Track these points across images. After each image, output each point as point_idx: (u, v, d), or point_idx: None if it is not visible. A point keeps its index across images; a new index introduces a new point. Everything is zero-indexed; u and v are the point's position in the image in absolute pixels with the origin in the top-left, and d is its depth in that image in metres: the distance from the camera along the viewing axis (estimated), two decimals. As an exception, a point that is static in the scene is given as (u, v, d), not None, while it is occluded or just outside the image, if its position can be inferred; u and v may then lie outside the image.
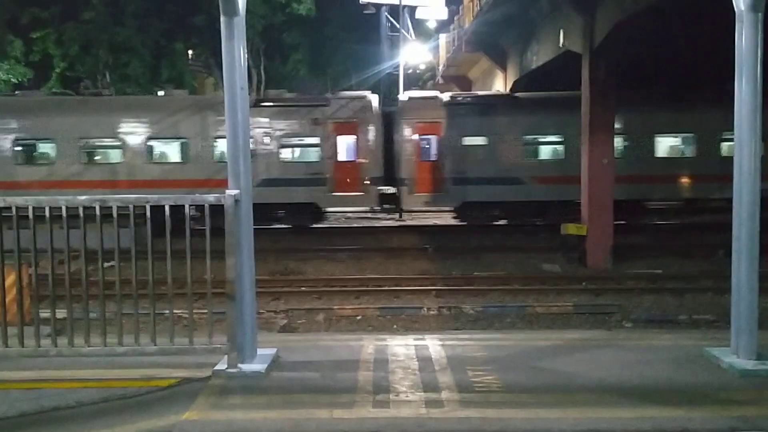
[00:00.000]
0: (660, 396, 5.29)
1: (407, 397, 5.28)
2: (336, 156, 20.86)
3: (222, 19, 5.64)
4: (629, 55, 16.78)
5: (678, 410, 5.00)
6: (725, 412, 4.99)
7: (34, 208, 5.52)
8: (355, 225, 23.96)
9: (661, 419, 4.86)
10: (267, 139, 20.69)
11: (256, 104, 20.70)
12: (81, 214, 5.52)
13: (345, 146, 21.06)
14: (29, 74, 32.15)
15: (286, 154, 21.19)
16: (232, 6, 5.59)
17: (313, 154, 21.06)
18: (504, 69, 26.66)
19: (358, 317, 12.46)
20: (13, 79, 31.98)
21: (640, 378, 5.68)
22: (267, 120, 20.74)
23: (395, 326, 11.93)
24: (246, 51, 5.86)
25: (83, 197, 5.60)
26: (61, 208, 5.54)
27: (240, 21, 5.70)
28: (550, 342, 7.01)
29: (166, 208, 5.58)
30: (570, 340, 7.09)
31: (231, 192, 5.61)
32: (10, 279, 6.04)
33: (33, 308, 5.75)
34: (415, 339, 6.95)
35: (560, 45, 18.09)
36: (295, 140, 21.20)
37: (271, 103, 21.36)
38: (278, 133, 20.83)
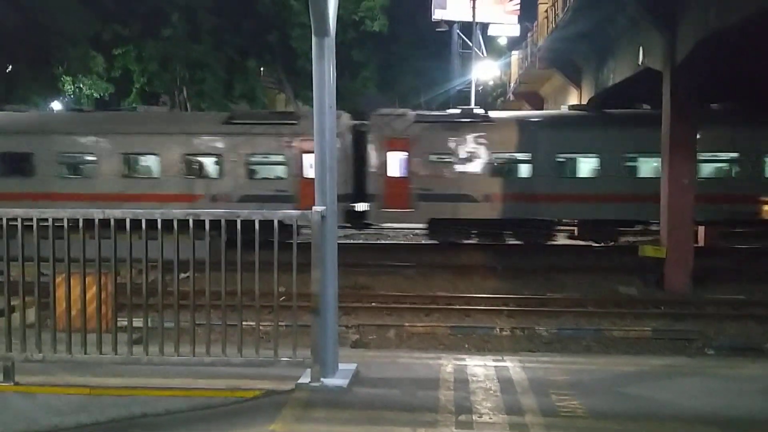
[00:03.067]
0: (752, 427, 5.10)
1: (490, 418, 5.23)
2: (302, 173, 20.86)
3: (313, 39, 5.76)
4: (712, 73, 16.29)
5: (774, 443, 4.81)
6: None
7: (131, 220, 5.72)
8: (423, 242, 23.93)
9: (756, 452, 4.68)
10: (235, 157, 21.01)
11: (226, 122, 21.23)
12: (175, 227, 5.69)
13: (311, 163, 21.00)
14: (111, 89, 33.44)
15: (256, 171, 21.43)
16: (323, 27, 5.71)
17: (281, 171, 21.19)
18: (578, 86, 26.31)
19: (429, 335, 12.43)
20: (95, 94, 33.35)
21: (731, 408, 5.48)
22: (237, 138, 21.05)
23: (466, 345, 11.85)
24: (335, 71, 5.96)
25: (178, 210, 5.78)
26: (156, 220, 5.73)
27: (330, 41, 5.81)
28: (634, 367, 6.82)
29: (256, 223, 5.70)
30: (654, 366, 6.90)
31: (318, 208, 5.70)
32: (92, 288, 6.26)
33: (127, 317, 5.93)
34: (494, 360, 6.87)
35: (639, 62, 17.73)
36: (262, 158, 21.42)
37: (240, 122, 21.66)
38: (248, 150, 21.09)
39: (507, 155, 21.12)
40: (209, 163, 21.34)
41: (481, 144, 20.85)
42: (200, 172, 21.44)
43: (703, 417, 5.29)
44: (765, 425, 5.14)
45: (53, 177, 21.12)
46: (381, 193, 21.10)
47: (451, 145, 20.94)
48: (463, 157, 20.87)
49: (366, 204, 21.35)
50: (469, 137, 20.95)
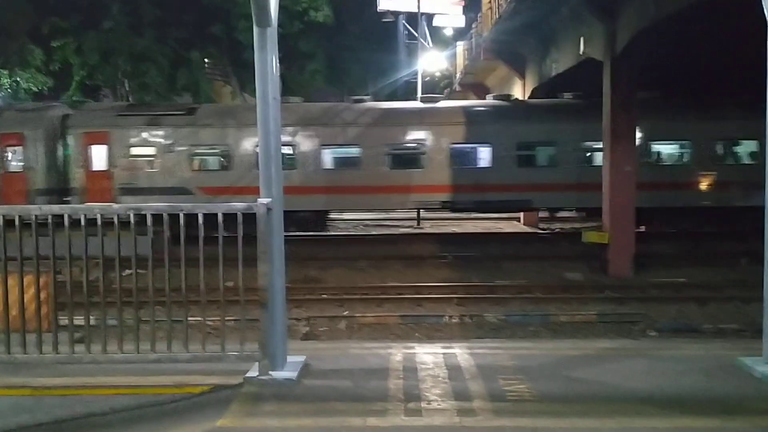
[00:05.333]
0: (695, 406, 5.24)
1: (439, 405, 5.27)
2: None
3: (255, 30, 5.68)
4: (651, 62, 16.69)
5: (714, 420, 4.96)
6: (762, 421, 4.94)
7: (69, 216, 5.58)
8: (374, 233, 23.97)
9: (697, 429, 4.82)
10: None
11: None
12: (116, 222, 5.57)
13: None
14: (49, 83, 32.50)
15: None
16: (264, 17, 5.63)
17: None
18: (523, 76, 26.62)
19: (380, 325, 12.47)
20: (33, 88, 32.36)
21: (673, 388, 5.63)
22: None
23: (417, 334, 11.93)
24: (278, 61, 5.89)
25: (117, 206, 5.65)
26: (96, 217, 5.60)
27: (272, 32, 5.74)
28: (580, 351, 6.96)
29: (200, 217, 5.62)
30: (600, 350, 7.06)
31: (263, 200, 5.63)
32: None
33: (67, 315, 5.78)
34: (443, 347, 6.93)
35: (581, 52, 18.04)
36: None
37: None
38: None
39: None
40: None
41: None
42: None
43: (647, 397, 5.43)
44: (706, 403, 5.31)
45: None
46: (83, 187, 21.14)
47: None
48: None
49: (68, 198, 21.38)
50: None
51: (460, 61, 35.96)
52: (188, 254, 5.64)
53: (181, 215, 5.59)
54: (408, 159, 20.99)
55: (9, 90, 32.61)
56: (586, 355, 6.75)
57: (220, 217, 5.65)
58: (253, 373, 5.72)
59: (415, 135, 20.99)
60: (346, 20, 34.21)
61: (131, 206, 5.63)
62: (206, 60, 35.81)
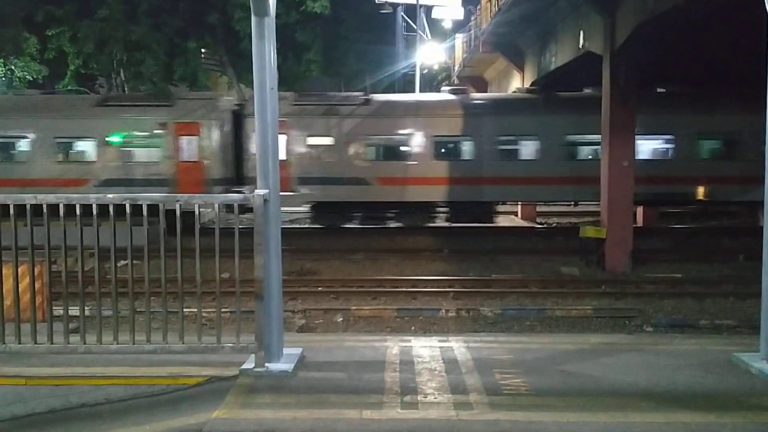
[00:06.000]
0: (690, 401, 5.25)
1: (435, 398, 5.26)
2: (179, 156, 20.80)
3: (253, 19, 5.64)
4: (651, 57, 16.65)
5: (709, 416, 4.96)
6: (757, 417, 4.95)
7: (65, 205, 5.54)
8: (370, 226, 23.92)
9: (692, 424, 4.82)
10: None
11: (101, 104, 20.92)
12: (111, 212, 5.53)
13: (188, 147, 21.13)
14: (44, 71, 32.34)
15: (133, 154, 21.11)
16: (262, 6, 5.59)
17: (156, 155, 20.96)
18: (521, 69, 26.54)
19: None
20: (28, 76, 32.20)
21: (669, 383, 5.63)
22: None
23: (413, 327, 11.92)
24: (276, 51, 5.85)
25: (112, 195, 5.62)
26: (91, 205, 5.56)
27: (270, 21, 5.70)
28: (576, 345, 6.97)
29: (196, 208, 5.59)
30: (595, 344, 7.06)
31: (260, 192, 5.60)
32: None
33: (62, 305, 5.75)
34: (439, 340, 6.93)
35: (580, 46, 17.98)
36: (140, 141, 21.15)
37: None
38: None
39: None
40: None
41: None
42: None
43: (640, 391, 5.44)
44: (702, 398, 5.31)
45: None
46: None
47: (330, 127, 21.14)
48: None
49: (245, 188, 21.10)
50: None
51: (459, 54, 35.86)
52: (184, 245, 5.61)
53: (177, 205, 5.55)
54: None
55: (3, 78, 32.48)
56: (581, 349, 6.75)
57: (217, 208, 5.62)
58: (248, 364, 5.71)
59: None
60: (344, 11, 34.06)
61: (127, 196, 5.59)
62: (203, 50, 35.65)
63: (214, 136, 20.86)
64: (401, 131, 21.09)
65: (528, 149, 21.18)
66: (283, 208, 6.02)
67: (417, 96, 22.51)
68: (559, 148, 20.69)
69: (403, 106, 21.98)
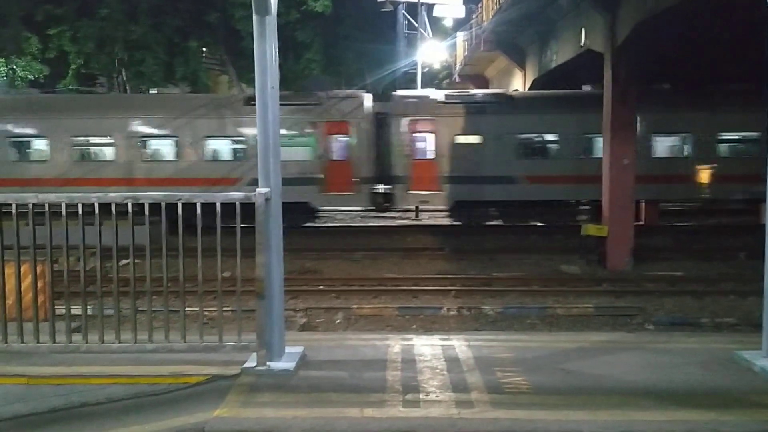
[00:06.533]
0: (691, 399, 5.24)
1: (437, 397, 5.27)
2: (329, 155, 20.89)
3: (254, 18, 5.64)
4: (652, 54, 16.64)
5: (710, 414, 4.96)
6: (758, 416, 4.94)
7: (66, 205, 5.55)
8: (372, 224, 23.96)
9: (693, 423, 4.82)
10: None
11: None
12: (113, 211, 5.53)
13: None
14: (45, 71, 32.34)
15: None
16: (264, 6, 5.59)
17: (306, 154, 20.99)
18: (522, 68, 26.56)
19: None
20: (29, 76, 32.21)
21: (669, 381, 5.63)
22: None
23: (414, 326, 11.93)
24: (277, 50, 5.85)
25: (114, 194, 5.62)
26: (93, 204, 5.56)
27: (271, 20, 5.70)
28: (577, 344, 6.96)
29: (198, 206, 5.59)
30: (596, 342, 7.06)
31: (261, 190, 5.61)
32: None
33: (64, 304, 5.76)
34: (441, 339, 6.94)
35: (581, 44, 17.99)
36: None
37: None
38: None
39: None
40: None
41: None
42: None
43: (641, 389, 5.43)
44: (703, 396, 5.31)
45: None
46: (408, 175, 20.96)
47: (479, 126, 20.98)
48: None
49: (389, 186, 21.28)
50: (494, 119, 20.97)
51: (460, 52, 35.86)
52: (186, 244, 5.62)
53: (179, 204, 5.56)
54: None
55: (5, 78, 32.49)
56: (582, 347, 6.75)
57: (218, 207, 5.62)
58: (250, 363, 5.72)
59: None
60: (345, 10, 34.03)
61: (129, 195, 5.60)
62: (203, 49, 35.66)
63: (362, 136, 20.90)
64: (547, 129, 21.10)
65: (679, 146, 21.15)
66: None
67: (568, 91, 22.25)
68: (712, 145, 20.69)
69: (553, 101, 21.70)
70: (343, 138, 20.95)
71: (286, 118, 19.73)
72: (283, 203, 5.88)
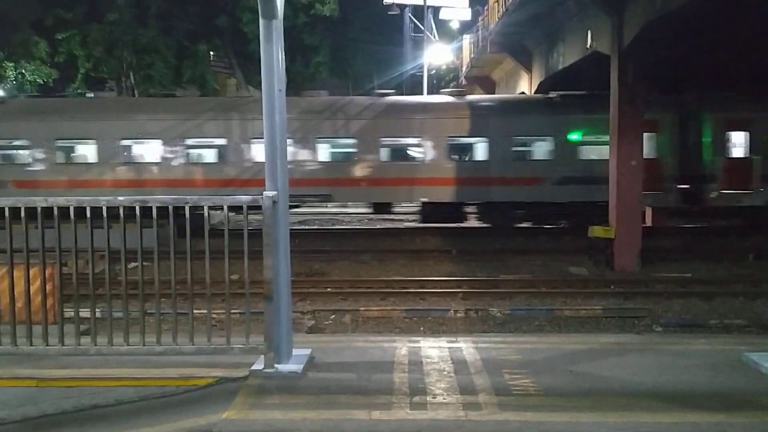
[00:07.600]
0: (700, 401, 5.24)
1: (444, 399, 5.27)
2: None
3: (261, 22, 5.67)
4: (659, 56, 16.60)
5: (719, 415, 4.95)
6: (767, 417, 4.93)
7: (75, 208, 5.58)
8: (379, 227, 23.97)
9: (702, 424, 4.81)
10: None
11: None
12: (121, 214, 5.57)
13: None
14: (54, 75, 32.52)
15: None
16: (270, 9, 5.61)
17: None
18: (529, 70, 26.53)
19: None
20: (39, 80, 32.39)
21: (678, 383, 5.62)
22: None
23: (422, 328, 11.92)
24: (284, 53, 5.88)
25: (122, 198, 5.66)
26: (101, 208, 5.60)
27: (278, 24, 5.72)
28: (585, 345, 6.96)
29: (205, 209, 5.62)
30: (604, 344, 7.05)
31: (269, 193, 5.63)
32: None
33: (73, 307, 5.80)
34: (448, 341, 6.94)
35: (588, 46, 17.96)
36: None
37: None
38: None
39: None
40: None
41: None
42: None
43: (650, 391, 5.43)
44: (711, 398, 5.30)
45: None
46: (721, 174, 20.62)
47: None
48: None
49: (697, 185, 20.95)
50: None
51: (467, 55, 35.86)
52: (194, 247, 5.64)
53: (187, 207, 5.59)
54: None
55: (14, 82, 32.69)
56: (590, 349, 6.74)
57: (225, 210, 5.65)
58: (258, 365, 5.74)
59: None
60: (352, 13, 34.12)
61: (137, 198, 5.63)
62: (211, 52, 35.82)
63: (672, 134, 20.73)
64: None
65: None
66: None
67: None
68: None
69: None
70: (651, 135, 20.26)
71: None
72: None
